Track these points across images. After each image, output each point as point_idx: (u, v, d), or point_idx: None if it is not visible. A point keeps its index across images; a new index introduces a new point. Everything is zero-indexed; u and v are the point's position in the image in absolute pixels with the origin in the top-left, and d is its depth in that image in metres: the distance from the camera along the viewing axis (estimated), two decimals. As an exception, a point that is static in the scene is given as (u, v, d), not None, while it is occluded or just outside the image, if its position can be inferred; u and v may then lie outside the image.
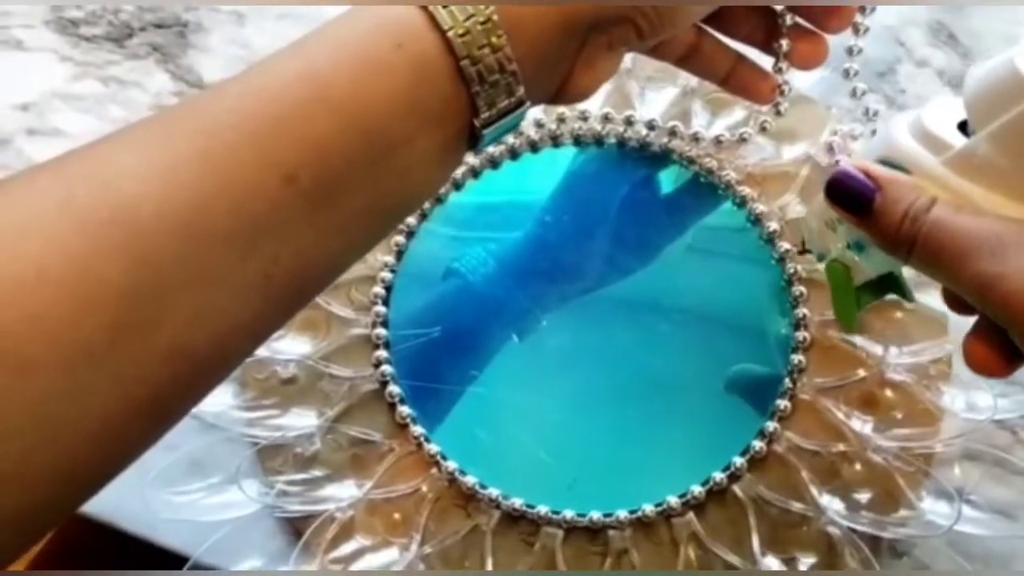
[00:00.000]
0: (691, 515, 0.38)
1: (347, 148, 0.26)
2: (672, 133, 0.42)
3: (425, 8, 0.26)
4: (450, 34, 0.26)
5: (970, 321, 0.30)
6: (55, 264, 0.22)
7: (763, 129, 0.41)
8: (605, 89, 0.43)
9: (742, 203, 0.41)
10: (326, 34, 0.27)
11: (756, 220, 0.41)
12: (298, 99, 0.25)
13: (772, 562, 0.37)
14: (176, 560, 0.38)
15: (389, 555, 0.38)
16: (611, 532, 0.38)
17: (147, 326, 0.23)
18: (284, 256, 0.25)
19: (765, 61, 0.38)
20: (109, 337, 0.23)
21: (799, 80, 0.43)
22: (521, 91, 0.28)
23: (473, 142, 0.29)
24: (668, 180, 0.43)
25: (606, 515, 0.38)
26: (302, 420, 0.39)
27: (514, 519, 0.39)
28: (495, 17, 0.26)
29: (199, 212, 0.24)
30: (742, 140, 0.41)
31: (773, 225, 0.41)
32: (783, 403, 0.39)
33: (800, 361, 0.39)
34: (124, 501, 0.38)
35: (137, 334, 0.23)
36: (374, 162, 0.26)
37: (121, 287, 0.23)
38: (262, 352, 0.40)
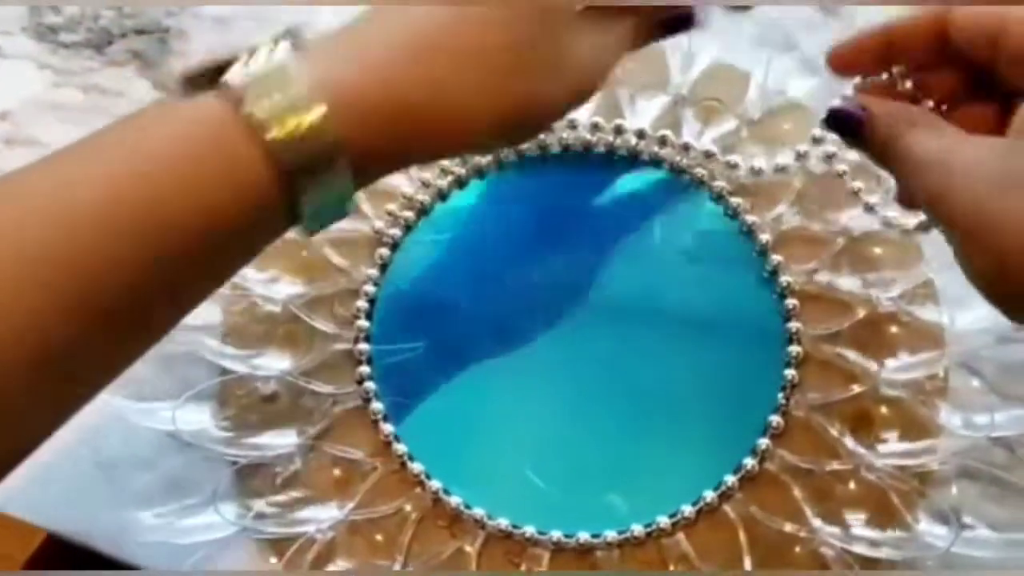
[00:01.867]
0: (681, 535, 0.37)
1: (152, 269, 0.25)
2: (662, 142, 0.41)
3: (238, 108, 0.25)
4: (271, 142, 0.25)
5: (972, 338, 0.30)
6: None
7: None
8: (595, 98, 0.42)
9: (734, 214, 0.40)
10: (133, 140, 0.25)
11: (749, 231, 0.40)
12: (99, 221, 0.24)
13: (764, 585, 0.36)
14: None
15: (370, 578, 0.37)
16: (599, 553, 0.37)
17: None
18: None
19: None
20: None
21: (795, 86, 0.43)
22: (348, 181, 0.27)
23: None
24: (659, 190, 0.42)
25: (594, 536, 0.37)
26: (283, 439, 0.38)
27: (500, 540, 0.38)
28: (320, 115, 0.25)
29: None
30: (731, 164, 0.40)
31: (765, 237, 0.40)
32: (776, 419, 0.38)
33: (793, 376, 0.38)
34: (99, 521, 0.38)
35: None
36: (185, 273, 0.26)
37: None
38: (242, 369, 0.39)
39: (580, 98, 0.32)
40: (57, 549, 0.53)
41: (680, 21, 0.34)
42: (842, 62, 0.32)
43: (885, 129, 0.30)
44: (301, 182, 0.26)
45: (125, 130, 0.26)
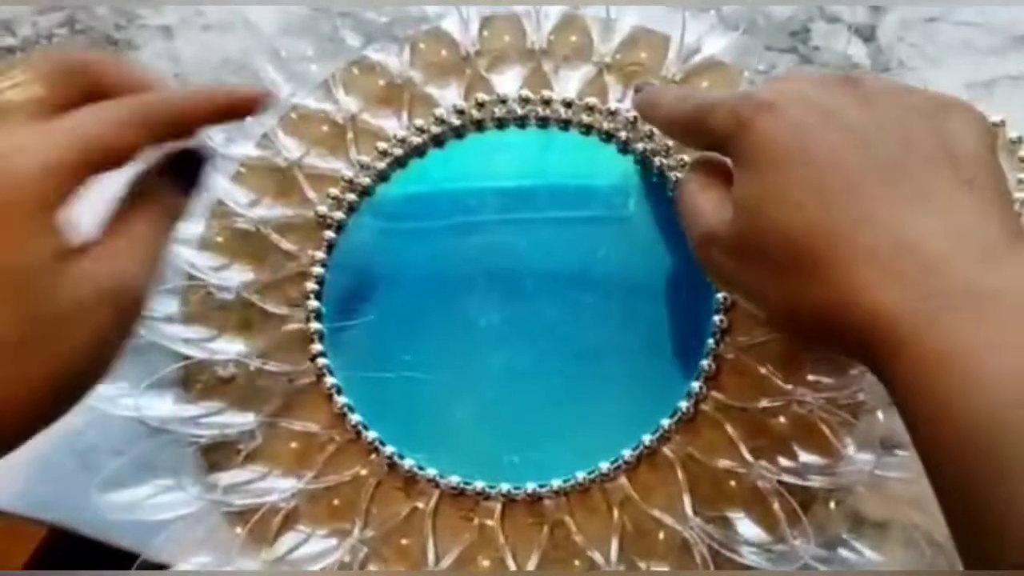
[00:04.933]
0: (623, 479, 0.39)
1: None
2: (589, 109, 0.43)
3: None
4: None
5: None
6: None
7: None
8: (521, 72, 0.44)
9: (660, 174, 0.42)
10: None
11: (675, 189, 0.42)
12: None
13: (700, 520, 0.38)
14: (129, 558, 0.39)
15: (330, 540, 0.39)
16: (547, 502, 0.39)
17: None
18: None
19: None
20: None
21: (711, 44, 0.44)
22: None
23: None
24: (588, 156, 0.43)
25: (541, 485, 0.39)
26: (243, 418, 0.41)
27: (453, 497, 0.40)
28: None
29: None
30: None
31: (689, 191, 0.41)
32: (707, 363, 0.39)
33: (722, 321, 0.40)
34: (74, 504, 0.40)
35: None
36: None
37: None
38: (200, 354, 0.41)
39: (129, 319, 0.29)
40: (56, 549, 0.55)
41: (193, 158, 0.31)
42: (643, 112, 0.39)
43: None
44: None
45: None
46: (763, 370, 0.39)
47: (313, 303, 0.42)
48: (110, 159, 0.27)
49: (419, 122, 0.43)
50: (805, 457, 0.38)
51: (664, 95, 0.37)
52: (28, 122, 0.27)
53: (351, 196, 0.43)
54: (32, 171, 0.26)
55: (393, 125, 0.44)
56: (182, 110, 0.30)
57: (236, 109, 0.31)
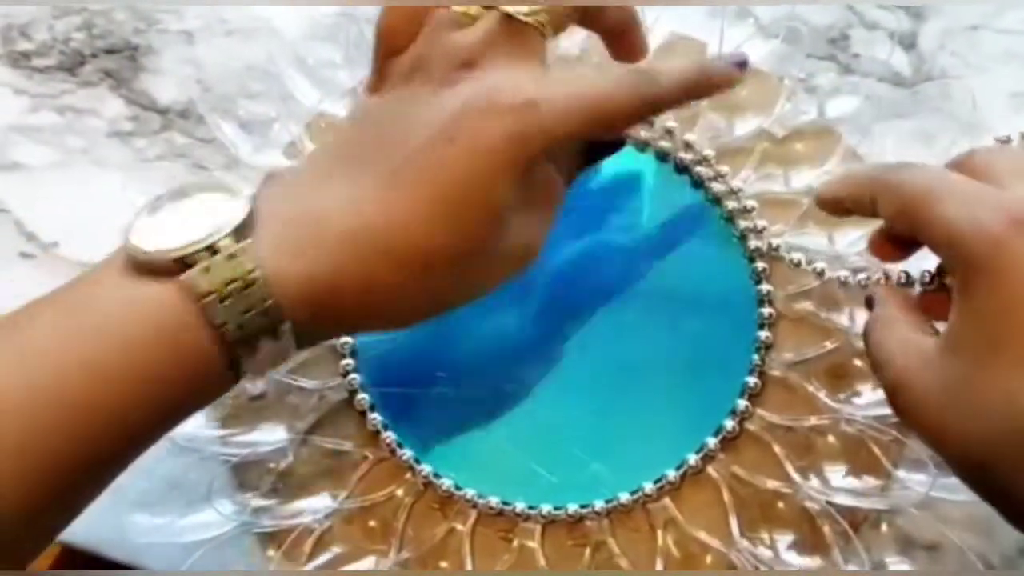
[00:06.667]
0: (667, 500, 0.38)
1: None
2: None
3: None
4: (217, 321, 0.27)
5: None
6: None
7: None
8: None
9: (698, 184, 0.41)
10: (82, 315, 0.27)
11: (714, 199, 0.41)
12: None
13: (748, 543, 0.37)
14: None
15: (367, 563, 0.38)
16: (588, 523, 0.38)
17: None
18: None
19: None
20: None
21: (750, 51, 0.43)
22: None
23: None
24: (625, 166, 0.42)
25: (583, 506, 0.38)
26: (273, 435, 0.39)
27: (492, 518, 0.39)
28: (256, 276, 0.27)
29: None
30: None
31: (731, 204, 0.40)
32: (752, 380, 0.38)
33: (767, 337, 0.39)
34: (102, 527, 0.39)
35: None
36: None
37: None
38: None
39: (510, 279, 0.32)
40: (69, 565, 0.54)
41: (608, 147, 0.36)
42: (827, 206, 0.33)
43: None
44: (243, 351, 0.27)
45: (76, 305, 0.27)
46: (810, 387, 0.38)
47: (344, 317, 0.41)
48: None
49: (452, 131, 0.42)
50: (854, 477, 0.37)
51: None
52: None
53: (382, 207, 0.42)
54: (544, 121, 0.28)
55: (425, 134, 0.43)
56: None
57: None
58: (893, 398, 0.29)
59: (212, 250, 0.27)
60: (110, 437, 0.26)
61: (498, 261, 0.31)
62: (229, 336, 0.27)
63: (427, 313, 0.31)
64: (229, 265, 0.27)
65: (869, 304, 0.33)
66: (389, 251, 0.28)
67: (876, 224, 0.32)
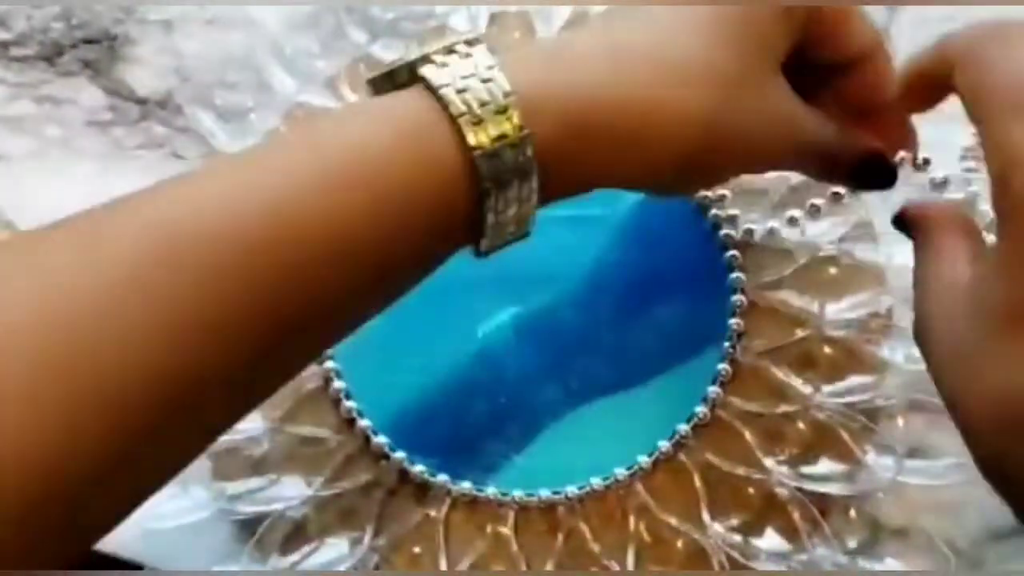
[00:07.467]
0: (639, 486, 0.38)
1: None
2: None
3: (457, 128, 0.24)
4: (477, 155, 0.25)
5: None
6: None
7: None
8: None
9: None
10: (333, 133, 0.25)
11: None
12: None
13: (719, 529, 0.37)
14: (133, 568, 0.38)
15: (341, 550, 0.38)
16: (561, 509, 0.38)
17: None
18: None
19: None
20: None
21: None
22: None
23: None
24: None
25: (555, 492, 0.38)
26: (250, 423, 0.39)
27: (466, 505, 0.39)
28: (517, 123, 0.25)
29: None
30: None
31: (704, 192, 0.41)
32: (724, 367, 0.39)
33: (738, 324, 0.39)
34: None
35: None
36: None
37: None
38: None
39: (753, 162, 0.30)
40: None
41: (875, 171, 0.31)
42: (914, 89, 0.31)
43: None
44: (493, 193, 0.25)
45: (325, 125, 0.25)
46: (781, 375, 0.39)
47: (320, 306, 0.41)
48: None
49: (428, 121, 0.42)
50: (824, 463, 0.38)
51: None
52: None
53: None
54: None
55: (401, 124, 0.43)
56: None
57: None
58: (922, 355, 0.26)
59: (448, 50, 0.25)
60: (343, 266, 0.24)
61: (750, 123, 0.28)
62: (466, 122, 0.24)
63: (679, 155, 0.27)
64: (465, 63, 0.25)
65: (906, 225, 0.30)
66: (661, 61, 0.26)
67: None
